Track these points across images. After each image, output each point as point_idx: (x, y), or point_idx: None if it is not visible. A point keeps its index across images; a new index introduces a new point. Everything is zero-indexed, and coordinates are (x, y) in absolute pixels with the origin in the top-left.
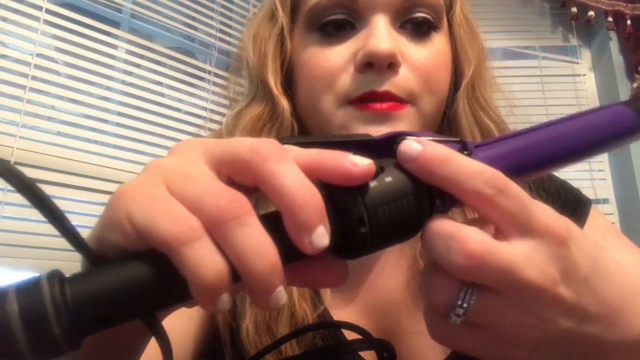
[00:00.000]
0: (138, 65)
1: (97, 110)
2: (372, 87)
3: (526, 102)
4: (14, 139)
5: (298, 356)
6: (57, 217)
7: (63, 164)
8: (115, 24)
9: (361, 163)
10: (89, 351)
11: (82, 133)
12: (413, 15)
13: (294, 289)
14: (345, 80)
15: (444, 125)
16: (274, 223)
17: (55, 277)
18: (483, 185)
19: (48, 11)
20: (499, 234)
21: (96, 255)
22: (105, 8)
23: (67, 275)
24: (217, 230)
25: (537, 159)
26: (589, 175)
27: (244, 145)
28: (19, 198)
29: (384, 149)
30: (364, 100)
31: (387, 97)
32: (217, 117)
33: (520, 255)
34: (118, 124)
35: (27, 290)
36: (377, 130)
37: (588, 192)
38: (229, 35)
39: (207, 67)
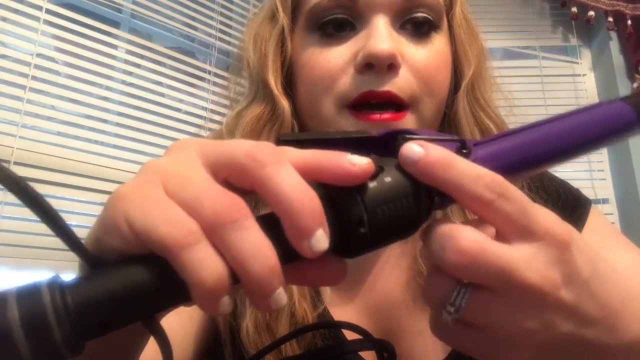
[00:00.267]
0: (138, 65)
1: (97, 110)
2: (371, 87)
3: (526, 102)
4: (14, 139)
5: (298, 356)
6: (55, 221)
7: (63, 164)
8: (115, 24)
9: (360, 162)
10: (88, 353)
11: (82, 133)
12: (413, 15)
13: (294, 289)
14: (345, 81)
15: (444, 125)
16: (272, 224)
17: (56, 282)
18: (484, 190)
19: (48, 11)
20: (501, 238)
21: (95, 258)
22: (105, 8)
23: (67, 280)
24: (215, 233)
25: (537, 155)
26: (589, 175)
27: (241, 150)
28: None
29: (383, 146)
30: (363, 106)
31: (388, 97)
32: (217, 117)
33: (521, 257)
34: (118, 124)
35: (28, 296)
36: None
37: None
38: (229, 35)
39: (207, 67)
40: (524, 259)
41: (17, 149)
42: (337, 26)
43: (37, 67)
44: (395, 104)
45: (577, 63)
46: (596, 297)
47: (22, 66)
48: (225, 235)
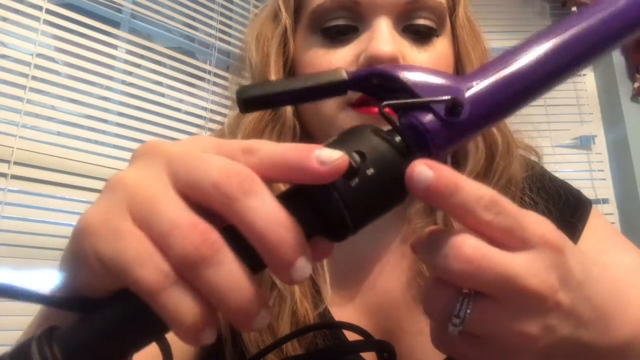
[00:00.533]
0: (138, 65)
1: (97, 110)
2: None
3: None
4: (14, 139)
5: (299, 356)
6: (25, 294)
7: (63, 164)
8: (115, 24)
9: (329, 159)
10: None
11: (82, 133)
12: (415, 22)
13: (296, 288)
14: None
15: None
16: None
17: (44, 338)
18: (483, 211)
19: (48, 11)
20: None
21: (76, 301)
22: (105, 8)
23: (58, 331)
24: (187, 272)
25: (542, 76)
26: (589, 175)
27: (209, 180)
28: (19, 198)
29: (367, 85)
30: (363, 103)
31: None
32: (217, 117)
33: (521, 264)
34: (118, 124)
35: (18, 357)
36: None
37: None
38: (229, 35)
39: (207, 67)
40: (524, 266)
41: (17, 149)
42: (339, 32)
43: (37, 67)
44: None
45: None
46: (590, 299)
47: (22, 66)
48: (197, 275)
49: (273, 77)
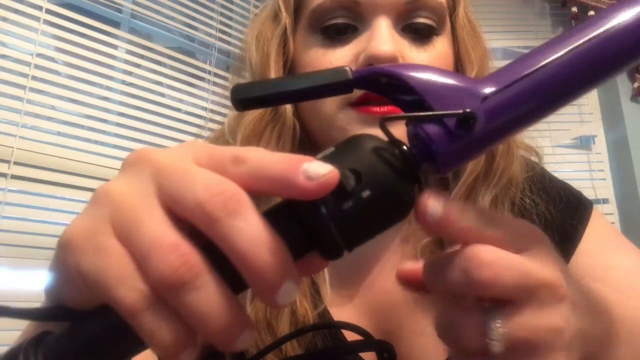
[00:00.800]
0: (138, 65)
1: (97, 110)
2: None
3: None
4: (14, 139)
5: (299, 356)
6: (16, 313)
7: (63, 164)
8: (115, 24)
9: (316, 175)
10: None
11: (82, 133)
12: (415, 21)
13: None
14: None
15: None
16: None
17: (32, 344)
18: (485, 229)
19: (48, 11)
20: None
21: (61, 312)
22: (105, 8)
23: (47, 338)
24: (165, 295)
25: (571, 84)
26: (589, 175)
27: (193, 198)
28: (19, 198)
29: (374, 84)
30: (364, 102)
31: None
32: (217, 117)
33: (531, 261)
34: (118, 124)
35: None
36: (376, 132)
37: (588, 192)
38: (229, 35)
39: (207, 67)
40: (532, 261)
41: (17, 149)
42: (339, 30)
43: (37, 67)
44: None
45: None
46: (581, 289)
47: (22, 66)
48: (175, 298)
49: (273, 76)
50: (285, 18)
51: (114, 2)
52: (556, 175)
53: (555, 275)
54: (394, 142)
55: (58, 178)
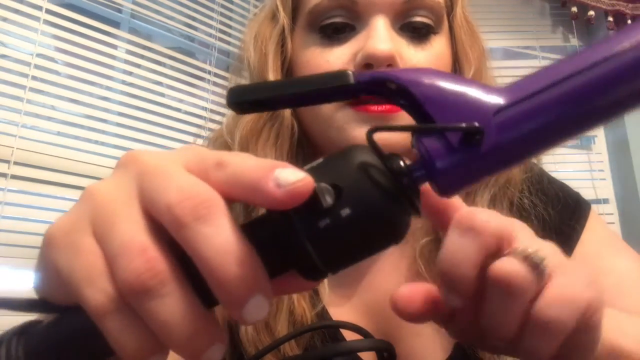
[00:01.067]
0: (138, 65)
1: (97, 110)
2: None
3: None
4: (14, 139)
5: (298, 356)
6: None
7: (63, 164)
8: (115, 24)
9: (285, 182)
10: None
11: (82, 133)
12: (413, 19)
13: None
14: None
15: None
16: None
17: (15, 334)
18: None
19: (48, 11)
20: None
21: (44, 306)
22: (105, 8)
23: (30, 328)
24: (130, 299)
25: (604, 104)
26: (589, 175)
27: (165, 200)
28: (19, 198)
29: (380, 89)
30: (362, 101)
31: None
32: (217, 117)
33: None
34: (118, 124)
35: None
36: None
37: (588, 192)
38: (229, 35)
39: (207, 67)
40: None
41: (17, 149)
42: (337, 29)
43: (37, 67)
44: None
45: None
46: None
47: (22, 66)
48: (139, 304)
49: (271, 76)
50: (283, 18)
51: (114, 2)
52: (556, 175)
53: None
54: (383, 157)
55: (58, 178)
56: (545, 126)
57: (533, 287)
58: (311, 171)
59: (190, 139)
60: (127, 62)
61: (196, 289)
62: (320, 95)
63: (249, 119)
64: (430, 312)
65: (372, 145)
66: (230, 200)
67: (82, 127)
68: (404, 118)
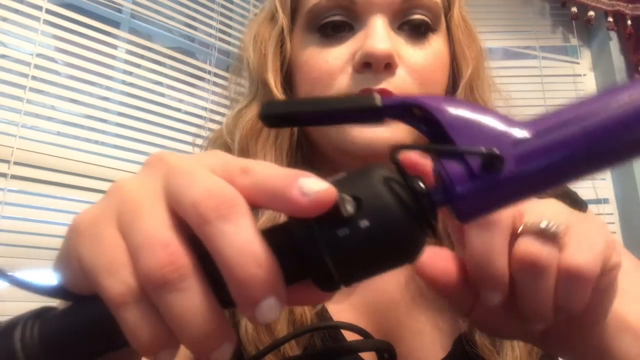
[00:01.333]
0: (138, 65)
1: (97, 110)
2: (368, 85)
3: (526, 103)
4: (14, 139)
5: (298, 357)
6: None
7: (63, 164)
8: (115, 24)
9: (310, 190)
10: None
11: (82, 133)
12: (411, 17)
13: None
14: (343, 81)
15: None
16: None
17: (31, 318)
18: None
19: (48, 11)
20: None
21: (63, 293)
22: (105, 8)
23: (48, 314)
24: (150, 292)
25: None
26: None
27: (190, 197)
28: (19, 198)
29: (406, 114)
30: None
31: (384, 94)
32: (217, 117)
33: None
34: (118, 124)
35: (2, 333)
36: (373, 132)
37: (588, 192)
38: (229, 35)
39: (207, 67)
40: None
41: (17, 149)
42: (336, 27)
43: (37, 67)
44: None
45: (577, 63)
46: None
47: (22, 66)
48: (158, 297)
49: (270, 77)
50: (282, 19)
51: (114, 2)
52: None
53: None
54: (406, 176)
55: (58, 178)
56: (564, 161)
57: (556, 256)
58: (335, 183)
59: (190, 139)
60: (127, 62)
61: (214, 288)
62: (346, 116)
63: (248, 119)
64: (462, 279)
65: (396, 164)
66: (253, 206)
67: (82, 127)
68: None
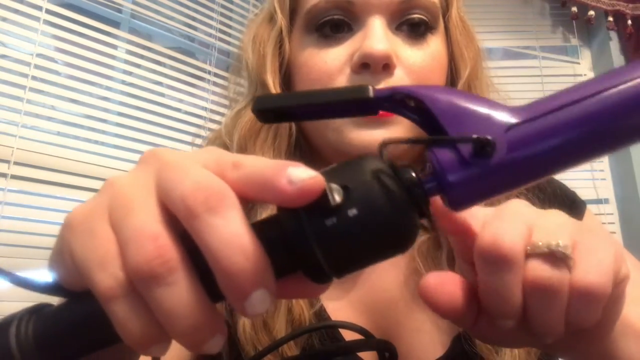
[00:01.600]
0: (138, 65)
1: (97, 110)
2: None
3: (526, 102)
4: (14, 139)
5: (297, 357)
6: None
7: (63, 164)
8: (115, 24)
9: (298, 178)
10: None
11: (82, 133)
12: (409, 17)
13: None
14: (341, 82)
15: None
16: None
17: (26, 314)
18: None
19: (48, 11)
20: None
21: (57, 289)
22: (105, 8)
23: (43, 310)
24: (138, 285)
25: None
26: (589, 175)
27: (179, 191)
28: (19, 198)
29: (400, 105)
30: None
31: None
32: (217, 117)
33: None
34: (118, 124)
35: (3, 324)
36: (371, 134)
37: (588, 192)
38: (229, 35)
39: (207, 67)
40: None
41: (17, 149)
42: (334, 27)
43: (37, 67)
44: None
45: (577, 63)
46: None
47: (22, 66)
48: (147, 290)
49: (269, 78)
50: (281, 20)
51: (114, 2)
52: (557, 175)
53: None
54: (395, 166)
55: (58, 178)
56: (556, 147)
57: (567, 277)
58: (323, 173)
59: (190, 139)
60: (127, 62)
61: (203, 283)
62: (340, 109)
63: (247, 119)
64: (468, 302)
65: (383, 155)
66: (245, 200)
67: (82, 127)
68: (400, 121)
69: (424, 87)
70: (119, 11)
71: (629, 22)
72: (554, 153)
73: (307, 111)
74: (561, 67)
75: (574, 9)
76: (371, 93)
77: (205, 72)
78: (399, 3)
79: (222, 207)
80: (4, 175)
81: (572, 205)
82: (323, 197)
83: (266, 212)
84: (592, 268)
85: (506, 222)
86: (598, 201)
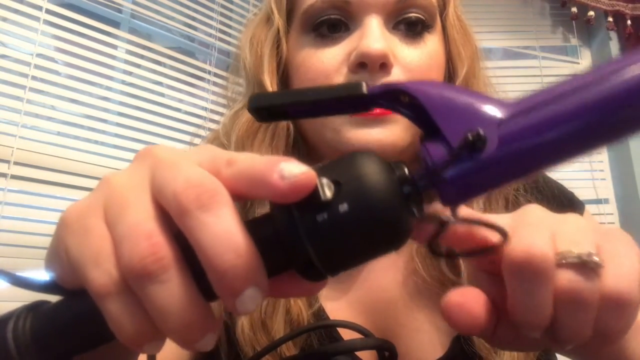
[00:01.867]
0: (138, 65)
1: (97, 110)
2: None
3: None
4: (14, 139)
5: (296, 357)
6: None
7: (63, 164)
8: (115, 24)
9: (289, 174)
10: None
11: (82, 133)
12: (406, 16)
13: None
14: (339, 81)
15: None
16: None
17: (24, 310)
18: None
19: (48, 11)
20: None
21: (58, 288)
22: (105, 8)
23: (41, 308)
24: (132, 282)
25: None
26: (589, 175)
27: (171, 188)
28: (19, 198)
29: (394, 102)
30: None
31: None
32: (216, 117)
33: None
34: (118, 124)
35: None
36: (368, 133)
37: (588, 192)
38: (229, 35)
39: (207, 67)
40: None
41: (17, 149)
42: (331, 26)
43: (37, 67)
44: None
45: (577, 63)
46: None
47: (22, 66)
48: (140, 288)
49: (267, 78)
50: (278, 20)
51: (114, 2)
52: (556, 174)
53: None
54: (385, 161)
55: (58, 178)
56: (549, 140)
57: (598, 286)
58: (316, 168)
59: (189, 139)
60: (127, 62)
61: (197, 281)
62: (335, 106)
63: (245, 119)
64: (489, 317)
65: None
66: (239, 197)
67: (82, 127)
68: (397, 120)
69: (416, 83)
70: (119, 11)
71: (629, 22)
72: (546, 146)
73: (302, 108)
74: (561, 67)
75: (574, 9)
76: (365, 89)
77: (205, 72)
78: (396, 2)
79: (213, 204)
80: (4, 175)
81: (571, 205)
82: (315, 193)
83: (264, 211)
84: (622, 276)
85: (534, 233)
86: (598, 201)
